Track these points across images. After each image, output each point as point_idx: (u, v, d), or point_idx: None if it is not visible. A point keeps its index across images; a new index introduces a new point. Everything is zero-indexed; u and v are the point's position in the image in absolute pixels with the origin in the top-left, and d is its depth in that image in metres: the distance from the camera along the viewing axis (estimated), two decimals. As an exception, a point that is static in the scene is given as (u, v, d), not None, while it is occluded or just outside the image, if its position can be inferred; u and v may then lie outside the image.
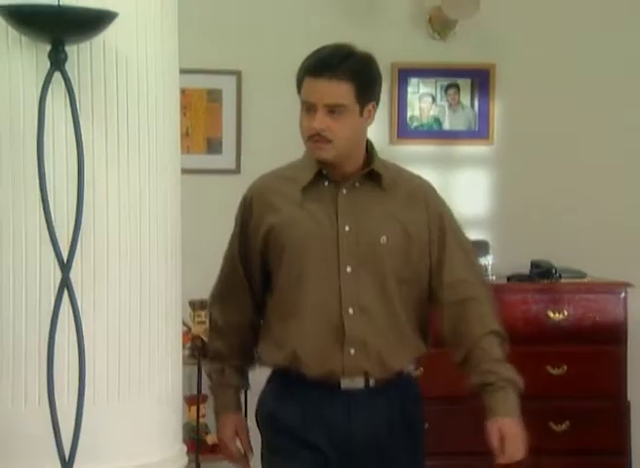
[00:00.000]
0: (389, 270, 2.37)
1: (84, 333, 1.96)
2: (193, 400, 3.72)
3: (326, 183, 2.38)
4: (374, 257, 2.36)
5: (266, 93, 4.14)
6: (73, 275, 1.97)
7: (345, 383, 2.35)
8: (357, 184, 2.38)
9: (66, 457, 1.95)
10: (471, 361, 2.38)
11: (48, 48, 1.92)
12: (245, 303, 2.50)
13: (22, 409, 2.01)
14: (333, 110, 2.27)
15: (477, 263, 2.60)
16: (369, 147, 2.42)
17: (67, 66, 1.94)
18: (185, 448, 2.28)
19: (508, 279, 4.17)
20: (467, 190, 4.38)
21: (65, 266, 1.96)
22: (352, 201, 2.37)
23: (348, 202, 2.37)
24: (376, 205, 2.39)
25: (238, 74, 4.20)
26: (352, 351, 2.33)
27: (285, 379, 2.42)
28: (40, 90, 1.93)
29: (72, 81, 1.94)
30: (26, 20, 1.87)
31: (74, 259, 1.96)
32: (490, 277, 4.13)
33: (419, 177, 2.51)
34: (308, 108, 2.29)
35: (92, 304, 2.01)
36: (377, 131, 4.32)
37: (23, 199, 1.99)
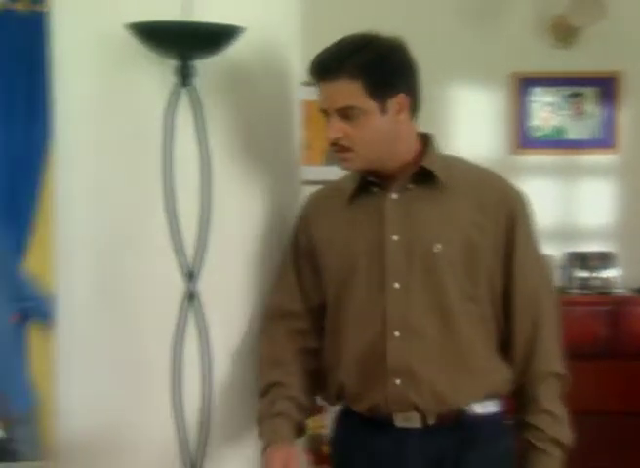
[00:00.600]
0: (450, 285, 2.00)
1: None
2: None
3: (374, 190, 2.06)
4: (428, 270, 2.00)
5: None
6: (197, 287, 2.00)
7: (399, 421, 2.00)
8: (410, 186, 2.03)
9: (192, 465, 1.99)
10: (521, 403, 2.06)
11: (174, 63, 1.94)
12: (300, 314, 2.11)
13: (149, 419, 2.04)
14: (346, 114, 1.97)
15: (549, 277, 2.20)
16: (425, 141, 2.07)
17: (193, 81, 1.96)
18: (305, 459, 2.28)
19: (636, 291, 4.06)
20: (592, 200, 4.30)
21: (191, 278, 1.99)
22: (403, 206, 2.03)
23: (398, 207, 2.02)
24: (432, 208, 2.03)
25: (357, 85, 4.21)
26: (397, 382, 1.99)
27: (342, 408, 2.13)
28: (167, 105, 1.96)
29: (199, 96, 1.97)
30: (155, 37, 1.89)
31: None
32: (616, 290, 4.04)
33: (492, 172, 2.12)
34: (325, 115, 2.02)
35: (214, 314, 2.03)
36: (495, 141, 4.29)
37: (150, 211, 2.02)
